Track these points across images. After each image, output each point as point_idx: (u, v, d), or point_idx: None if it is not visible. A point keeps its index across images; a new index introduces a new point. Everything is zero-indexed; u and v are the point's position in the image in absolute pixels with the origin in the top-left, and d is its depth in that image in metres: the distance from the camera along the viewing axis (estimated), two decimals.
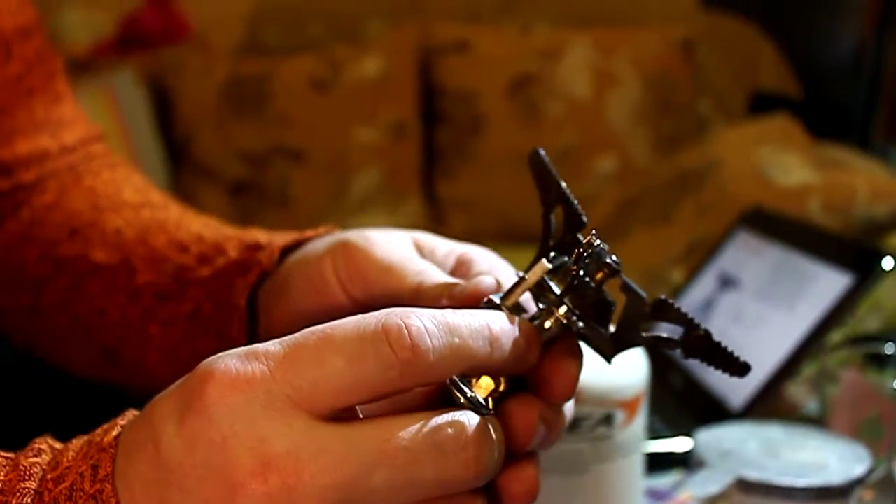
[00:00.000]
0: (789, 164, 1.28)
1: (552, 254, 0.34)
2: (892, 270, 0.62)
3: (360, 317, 0.28)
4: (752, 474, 0.45)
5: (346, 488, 0.27)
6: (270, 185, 1.86)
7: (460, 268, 0.39)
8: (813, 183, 1.22)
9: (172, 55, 1.94)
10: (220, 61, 1.91)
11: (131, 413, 0.31)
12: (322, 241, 0.40)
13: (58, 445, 0.32)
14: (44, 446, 0.31)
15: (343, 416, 0.28)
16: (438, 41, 1.91)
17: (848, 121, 1.92)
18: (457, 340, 0.29)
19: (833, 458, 0.47)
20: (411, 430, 0.28)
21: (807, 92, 1.96)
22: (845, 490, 0.45)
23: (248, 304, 0.42)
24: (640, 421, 0.47)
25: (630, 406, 0.46)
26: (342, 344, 0.28)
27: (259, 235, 0.45)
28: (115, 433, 0.29)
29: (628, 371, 0.47)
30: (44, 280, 0.51)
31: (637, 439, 0.47)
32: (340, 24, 1.99)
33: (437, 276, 0.37)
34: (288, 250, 0.42)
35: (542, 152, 0.36)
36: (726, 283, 0.77)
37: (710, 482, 0.45)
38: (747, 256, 0.77)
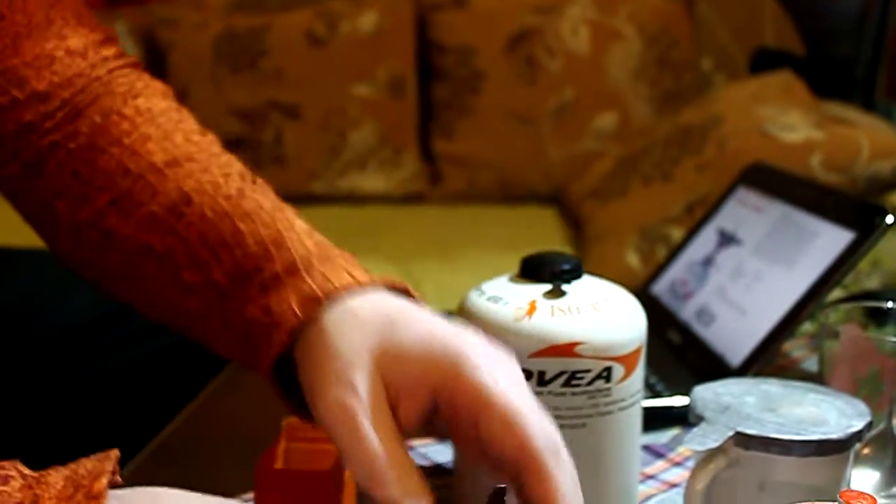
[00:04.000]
0: (791, 121, 1.26)
1: None
2: (893, 226, 0.62)
3: None
4: (751, 429, 0.45)
5: None
6: (265, 142, 1.85)
7: (518, 462, 0.36)
8: (815, 140, 1.20)
9: (165, 9, 1.91)
10: (214, 15, 1.88)
11: (115, 454, 0.30)
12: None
13: (27, 472, 0.30)
14: (13, 472, 0.30)
15: None
16: None
17: (852, 79, 1.89)
18: None
19: (832, 413, 0.47)
20: None
21: (810, 50, 1.93)
22: (844, 444, 0.44)
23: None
24: (639, 375, 0.47)
25: (628, 360, 0.46)
26: None
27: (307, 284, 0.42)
28: (104, 482, 0.29)
29: (627, 325, 0.46)
30: (96, 246, 0.49)
31: (635, 393, 0.47)
32: None
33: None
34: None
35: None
36: (726, 239, 0.76)
37: (707, 437, 0.44)
38: (747, 213, 0.76)
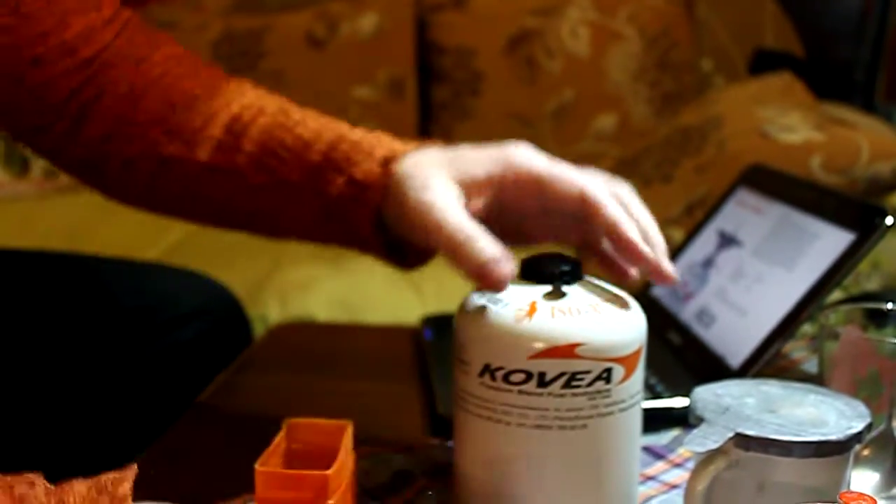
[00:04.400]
0: (791, 123, 1.26)
1: None
2: (893, 228, 0.62)
3: None
4: (750, 430, 0.45)
5: None
6: None
7: (586, 209, 0.50)
8: (815, 141, 1.20)
9: (164, 11, 1.91)
10: (212, 17, 1.88)
11: (134, 468, 0.34)
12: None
13: (48, 485, 0.33)
14: (38, 480, 0.32)
15: None
16: None
17: (851, 81, 1.89)
18: None
19: (832, 415, 0.47)
20: None
21: (809, 51, 1.93)
22: (844, 446, 0.45)
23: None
24: (639, 376, 0.47)
25: (628, 361, 0.46)
26: None
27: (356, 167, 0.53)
28: (128, 486, 0.33)
29: (627, 327, 0.46)
30: (151, 175, 0.56)
31: (635, 394, 0.47)
32: None
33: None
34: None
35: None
36: (726, 241, 0.76)
37: (707, 438, 0.44)
38: (747, 214, 0.76)
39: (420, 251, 0.57)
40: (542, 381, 0.44)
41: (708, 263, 0.76)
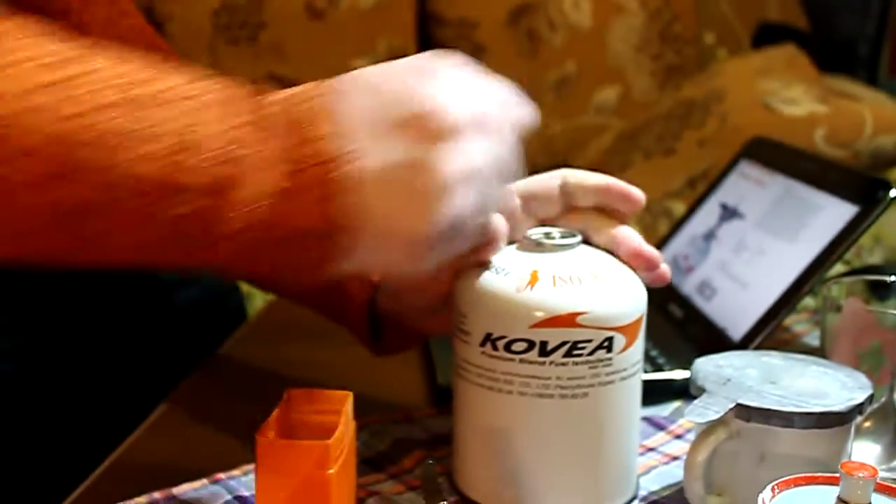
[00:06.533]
0: (794, 96, 1.25)
1: None
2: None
3: None
4: (752, 401, 0.44)
5: None
6: None
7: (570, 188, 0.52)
8: (818, 114, 1.19)
9: None
10: None
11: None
12: None
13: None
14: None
15: None
16: None
17: (855, 55, 1.88)
18: None
19: (833, 386, 0.46)
20: None
21: (814, 25, 1.91)
22: (845, 417, 0.44)
23: None
24: (639, 346, 0.47)
25: (629, 330, 0.45)
26: None
27: None
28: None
29: (628, 295, 0.46)
30: None
31: (636, 364, 0.47)
32: None
33: None
34: None
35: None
36: (728, 213, 0.76)
37: (708, 408, 0.44)
38: (750, 187, 0.75)
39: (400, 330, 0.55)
40: (544, 350, 0.44)
41: (709, 236, 0.76)
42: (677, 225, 0.81)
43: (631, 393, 0.47)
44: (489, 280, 0.46)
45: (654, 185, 1.29)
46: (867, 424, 0.51)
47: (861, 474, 0.35)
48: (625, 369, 0.46)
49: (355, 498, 0.48)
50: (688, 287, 0.73)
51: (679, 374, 0.62)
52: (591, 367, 0.45)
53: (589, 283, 0.45)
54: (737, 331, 0.64)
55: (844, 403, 0.45)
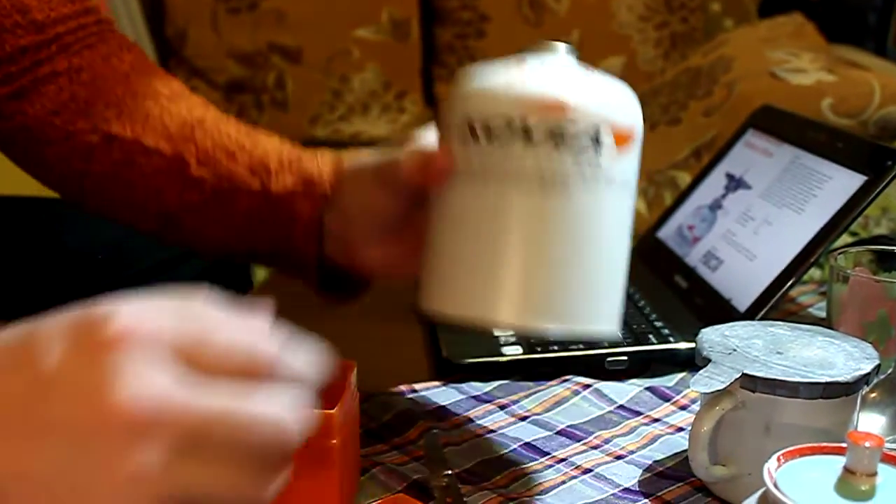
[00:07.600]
0: (802, 65, 1.24)
1: None
2: None
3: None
4: (757, 371, 0.44)
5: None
6: (266, 86, 1.82)
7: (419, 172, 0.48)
8: (826, 83, 1.18)
9: None
10: None
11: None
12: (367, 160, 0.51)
13: None
14: None
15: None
16: None
17: (864, 24, 1.86)
18: None
19: (840, 356, 0.46)
20: None
21: None
22: (851, 387, 0.44)
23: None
24: (630, 165, 0.44)
25: (620, 136, 0.43)
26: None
27: (308, 164, 0.53)
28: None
29: (619, 96, 0.44)
30: (92, 148, 0.55)
31: (625, 180, 0.44)
32: None
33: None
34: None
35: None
36: (734, 183, 0.75)
37: (714, 378, 0.44)
38: (756, 157, 0.75)
39: (353, 280, 0.56)
40: (528, 138, 0.42)
41: (715, 206, 0.75)
42: (683, 195, 0.80)
43: (616, 206, 0.43)
44: (480, 71, 0.44)
45: (660, 155, 1.28)
46: (873, 395, 0.51)
47: (868, 444, 0.34)
48: (612, 178, 0.43)
49: (359, 468, 0.48)
50: (693, 258, 0.73)
51: (684, 345, 0.61)
52: (574, 162, 0.41)
53: (580, 77, 0.43)
54: (743, 301, 0.64)
55: (851, 374, 0.44)
